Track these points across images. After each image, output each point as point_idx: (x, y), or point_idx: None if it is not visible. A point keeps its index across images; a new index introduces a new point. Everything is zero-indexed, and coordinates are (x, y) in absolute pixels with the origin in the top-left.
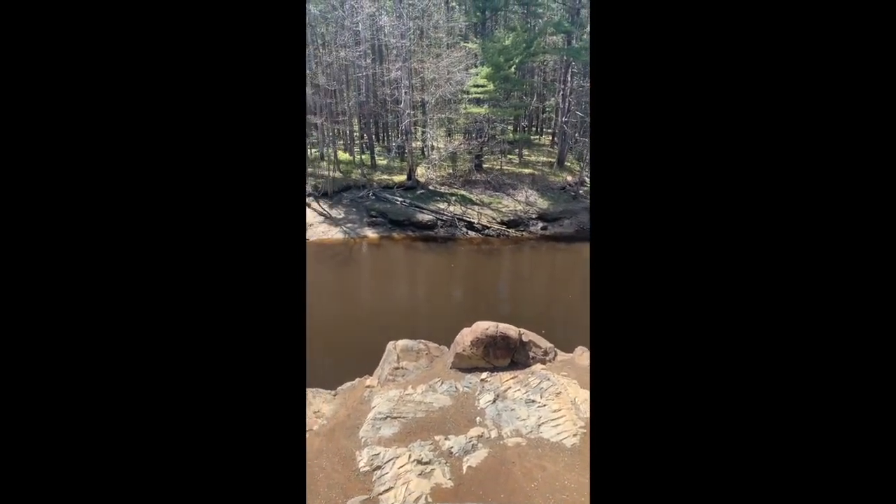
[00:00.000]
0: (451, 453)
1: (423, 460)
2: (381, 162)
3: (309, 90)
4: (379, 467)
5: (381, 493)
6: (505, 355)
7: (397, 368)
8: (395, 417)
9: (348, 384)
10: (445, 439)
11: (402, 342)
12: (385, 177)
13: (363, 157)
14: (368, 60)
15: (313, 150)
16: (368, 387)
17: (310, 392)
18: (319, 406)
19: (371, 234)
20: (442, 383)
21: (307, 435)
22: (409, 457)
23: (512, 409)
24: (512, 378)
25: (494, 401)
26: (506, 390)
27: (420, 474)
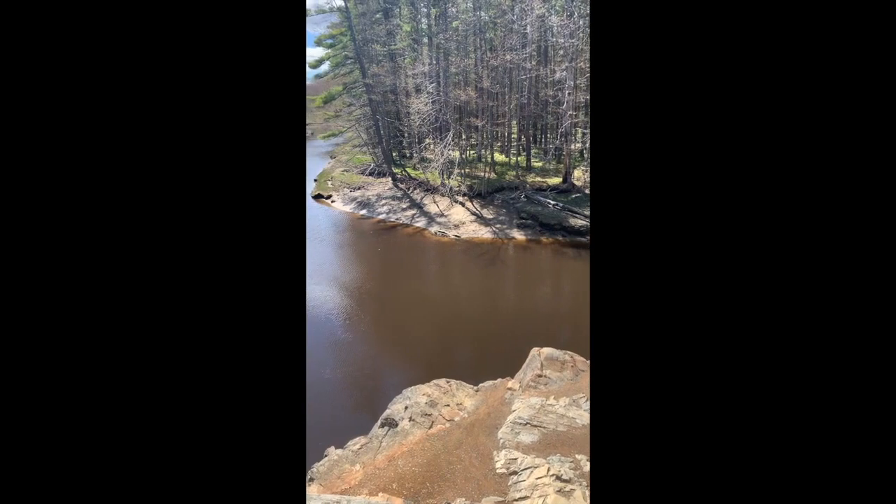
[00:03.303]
0: None
1: (563, 477)
2: (537, 164)
3: (473, 94)
4: (515, 472)
5: (516, 500)
6: None
7: (540, 376)
8: (536, 426)
9: (490, 382)
10: (588, 460)
11: (546, 350)
12: (539, 179)
13: (519, 158)
14: (533, 62)
15: (472, 152)
16: (510, 389)
17: (453, 383)
18: (462, 399)
19: (519, 235)
20: (587, 400)
21: (448, 424)
22: (548, 470)
23: None
24: None
25: None
26: None
27: (559, 491)
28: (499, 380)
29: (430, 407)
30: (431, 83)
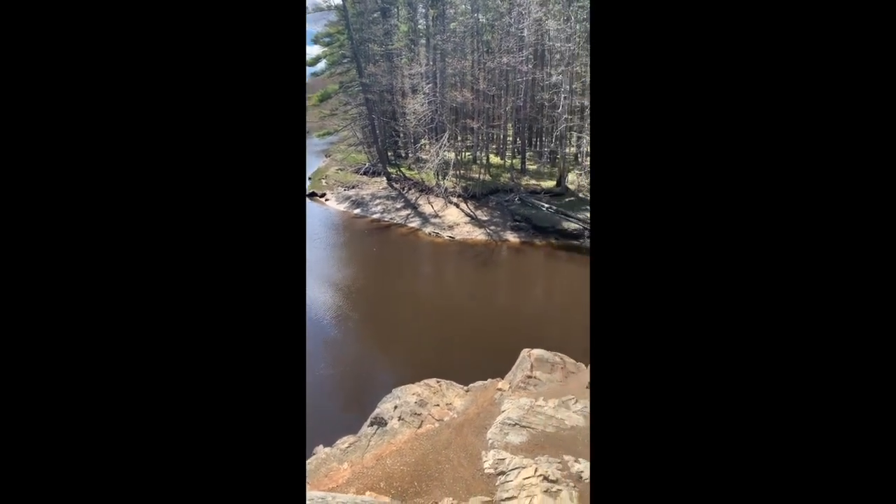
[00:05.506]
0: (581, 478)
1: (550, 477)
2: (532, 167)
3: (469, 95)
4: (503, 473)
5: (503, 500)
6: None
7: (530, 377)
8: (524, 427)
9: (480, 383)
10: (575, 461)
11: (536, 351)
12: (533, 182)
13: (514, 161)
14: (529, 65)
15: (467, 153)
16: (500, 390)
17: (443, 383)
18: (452, 399)
19: (513, 238)
20: (576, 402)
21: (437, 424)
22: (536, 470)
23: None
24: None
25: None
26: None
27: (546, 491)
28: (489, 380)
29: (419, 406)
30: (428, 84)
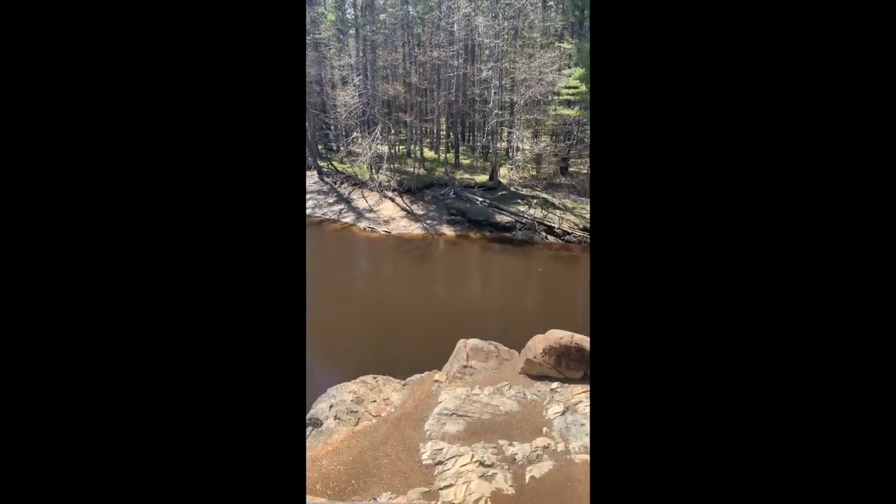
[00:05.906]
0: (515, 460)
1: (486, 462)
2: (465, 161)
3: (401, 89)
4: (441, 462)
5: (441, 489)
6: (578, 367)
7: (466, 367)
8: (461, 416)
9: (417, 376)
10: (510, 445)
11: (472, 341)
12: (467, 176)
13: (448, 155)
14: (460, 60)
15: (401, 147)
16: (437, 381)
17: (380, 379)
18: (389, 394)
19: (449, 231)
20: (510, 388)
21: (375, 420)
22: (472, 457)
23: (582, 424)
24: (584, 392)
25: (564, 413)
26: (577, 403)
27: (481, 476)
28: (426, 373)
29: (356, 404)
30: (358, 76)
